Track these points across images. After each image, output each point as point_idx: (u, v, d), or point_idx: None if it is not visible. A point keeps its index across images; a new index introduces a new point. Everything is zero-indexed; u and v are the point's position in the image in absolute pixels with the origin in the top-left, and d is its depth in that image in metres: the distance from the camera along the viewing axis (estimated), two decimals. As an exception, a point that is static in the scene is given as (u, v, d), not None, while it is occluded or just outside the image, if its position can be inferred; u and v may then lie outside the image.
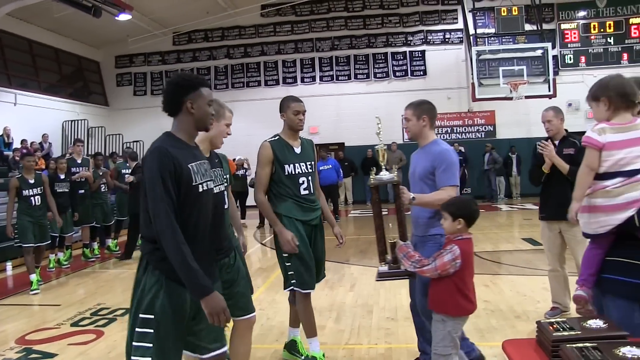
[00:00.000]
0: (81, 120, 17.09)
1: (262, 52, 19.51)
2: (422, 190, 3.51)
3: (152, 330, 2.35)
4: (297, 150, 4.01)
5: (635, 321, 2.46)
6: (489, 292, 6.17)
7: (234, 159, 13.82)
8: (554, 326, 2.37)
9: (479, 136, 18.54)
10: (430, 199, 3.39)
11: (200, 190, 2.49)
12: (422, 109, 3.60)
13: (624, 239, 2.58)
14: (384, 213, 3.54)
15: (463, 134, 18.60)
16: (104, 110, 19.63)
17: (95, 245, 10.09)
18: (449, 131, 18.56)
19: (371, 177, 3.45)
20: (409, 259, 3.10)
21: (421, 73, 18.71)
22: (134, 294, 2.45)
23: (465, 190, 17.92)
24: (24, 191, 7.42)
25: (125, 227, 10.57)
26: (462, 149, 17.60)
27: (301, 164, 3.97)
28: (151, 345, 2.34)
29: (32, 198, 7.48)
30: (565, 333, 2.30)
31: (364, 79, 18.93)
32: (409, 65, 18.81)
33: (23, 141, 14.38)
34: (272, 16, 19.42)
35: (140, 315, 2.37)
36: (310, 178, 4.00)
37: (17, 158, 13.57)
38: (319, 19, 19.34)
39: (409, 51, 18.88)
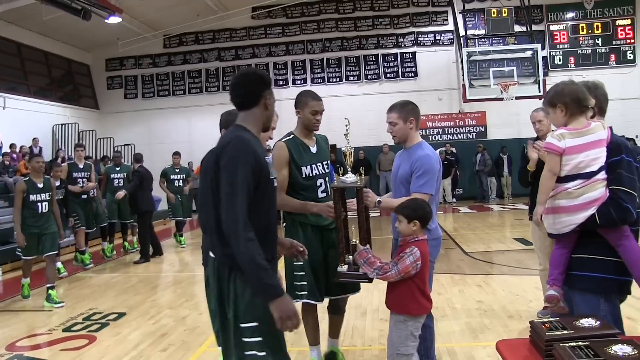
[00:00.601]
0: (72, 123, 17.02)
1: (253, 55, 19.49)
2: (402, 194, 3.43)
3: (260, 338, 2.29)
4: (314, 149, 3.72)
5: (602, 313, 2.59)
6: (482, 292, 6.19)
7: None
8: (547, 325, 2.39)
9: (470, 137, 18.62)
10: (396, 204, 3.22)
11: (275, 184, 2.52)
12: (408, 111, 3.51)
13: (586, 237, 2.70)
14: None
15: (454, 135, 18.66)
16: (94, 113, 19.53)
17: (107, 244, 10.05)
18: (441, 132, 18.62)
19: (335, 178, 3.28)
20: (370, 265, 3.06)
21: (412, 74, 18.76)
22: (220, 304, 2.37)
23: (457, 191, 18.03)
24: (31, 196, 6.72)
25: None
26: (454, 149, 17.68)
27: (318, 164, 3.68)
28: (264, 353, 2.29)
29: (39, 204, 6.77)
30: (558, 332, 2.32)
31: (355, 80, 18.96)
32: (400, 66, 18.86)
33: (12, 145, 14.28)
34: (263, 18, 19.41)
35: (243, 325, 2.30)
36: (327, 179, 3.74)
37: (6, 162, 13.50)
38: (309, 20, 19.35)
39: (400, 53, 18.92)
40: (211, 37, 19.57)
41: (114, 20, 14.80)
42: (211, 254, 2.43)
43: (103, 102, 19.96)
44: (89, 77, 20.03)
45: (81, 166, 9.17)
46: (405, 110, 3.51)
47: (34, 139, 15.02)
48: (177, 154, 11.19)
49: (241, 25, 19.41)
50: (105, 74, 20.04)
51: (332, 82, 18.98)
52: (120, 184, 10.05)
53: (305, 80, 19.20)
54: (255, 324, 2.29)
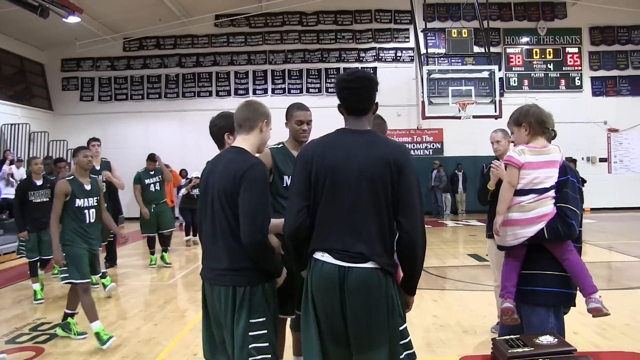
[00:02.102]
0: (22, 124, 16.39)
1: (215, 62, 19.35)
2: None
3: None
4: None
5: (550, 325, 2.80)
6: (437, 307, 6.28)
7: (188, 175, 13.47)
8: (508, 343, 2.45)
9: (427, 153, 18.97)
10: None
11: None
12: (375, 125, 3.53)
13: (535, 253, 2.89)
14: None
15: (412, 151, 18.94)
16: (47, 114, 18.92)
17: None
18: (398, 147, 18.88)
19: None
20: None
21: (372, 89, 18.96)
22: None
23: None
24: (77, 200, 5.17)
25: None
26: (411, 165, 17.95)
27: None
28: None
29: (86, 212, 5.23)
30: (519, 350, 2.40)
31: (316, 93, 19.06)
32: (360, 81, 19.04)
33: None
34: (226, 26, 19.33)
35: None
36: None
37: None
38: (272, 31, 19.39)
39: (361, 67, 19.13)
40: (172, 42, 19.33)
41: (73, 19, 14.43)
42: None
43: (57, 103, 19.38)
44: (42, 76, 19.42)
45: (97, 167, 7.72)
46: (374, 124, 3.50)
47: (-19, 139, 14.46)
48: (152, 159, 9.41)
49: (203, 33, 19.27)
50: (60, 75, 19.47)
51: (293, 93, 19.01)
52: None
53: (266, 91, 19.19)
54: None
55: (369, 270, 2.34)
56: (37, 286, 7.04)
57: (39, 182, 7.16)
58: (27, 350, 5.01)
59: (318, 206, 2.44)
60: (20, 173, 13.56)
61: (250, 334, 2.63)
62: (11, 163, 13.76)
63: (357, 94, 2.51)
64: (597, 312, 2.82)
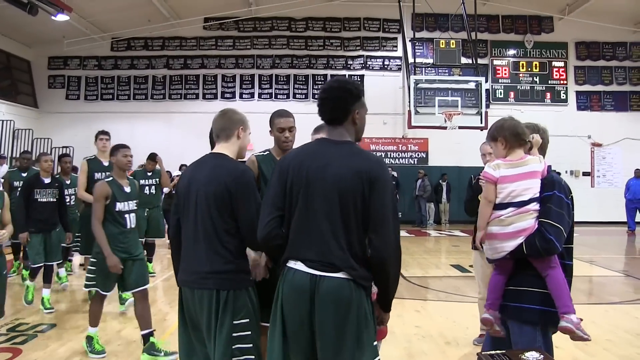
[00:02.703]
0: (7, 120, 16.17)
1: (202, 65, 19.29)
2: None
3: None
4: None
5: (537, 344, 2.76)
6: (420, 317, 6.29)
7: (173, 175, 13.37)
8: (494, 358, 2.46)
9: (412, 162, 19.06)
10: None
11: None
12: None
13: (523, 269, 2.86)
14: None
15: (397, 159, 19.05)
16: (32, 112, 18.71)
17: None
18: (383, 156, 18.96)
19: None
20: None
21: (360, 97, 19.03)
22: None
23: (397, 214, 18.35)
24: (117, 204, 4.79)
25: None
26: (395, 173, 18.01)
27: None
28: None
29: (127, 216, 4.89)
30: (505, 366, 2.39)
31: (303, 99, 19.06)
32: (348, 88, 19.10)
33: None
34: (215, 30, 19.29)
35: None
36: None
37: None
38: (261, 36, 19.39)
39: (349, 75, 19.16)
40: (160, 44, 19.25)
41: (61, 17, 14.30)
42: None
43: (43, 101, 19.17)
44: (29, 73, 19.21)
45: (106, 163, 6.59)
46: None
47: (-37, 134, 14.24)
48: (152, 159, 8.65)
49: (192, 35, 19.22)
50: (47, 72, 19.28)
51: (280, 98, 19.00)
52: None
53: (252, 95, 19.17)
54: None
55: (340, 280, 2.33)
56: (47, 293, 6.49)
57: (47, 180, 6.68)
58: (4, 351, 4.91)
59: (291, 216, 2.45)
60: (4, 170, 13.38)
61: (234, 334, 2.64)
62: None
63: (324, 104, 2.54)
64: (569, 332, 2.75)
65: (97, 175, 6.37)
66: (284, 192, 2.47)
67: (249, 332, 2.67)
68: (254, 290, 2.78)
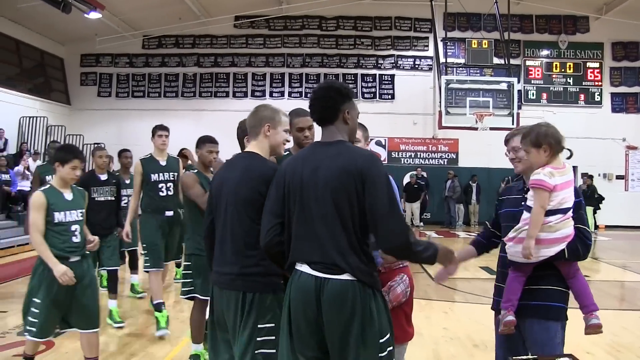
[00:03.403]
0: (40, 117, 16.52)
1: (233, 63, 19.40)
2: None
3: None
4: None
5: (557, 340, 2.85)
6: (447, 319, 6.20)
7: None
8: (526, 363, 2.40)
9: (442, 163, 18.86)
10: None
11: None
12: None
13: (543, 270, 2.89)
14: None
15: (426, 160, 18.87)
16: (65, 108, 19.07)
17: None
18: (413, 156, 18.84)
19: None
20: None
21: (389, 97, 18.96)
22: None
23: (425, 215, 18.20)
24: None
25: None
26: (424, 174, 17.88)
27: None
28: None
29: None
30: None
31: (333, 97, 19.00)
32: (377, 87, 19.04)
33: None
34: (245, 28, 19.37)
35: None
36: None
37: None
38: (291, 34, 19.41)
39: (379, 74, 19.11)
40: (191, 42, 19.41)
41: (94, 15, 14.54)
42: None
43: (75, 97, 19.52)
44: (62, 71, 19.58)
45: (163, 163, 5.78)
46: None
47: (-2, 130, 14.54)
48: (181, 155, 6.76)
49: (222, 33, 19.33)
50: (79, 70, 19.61)
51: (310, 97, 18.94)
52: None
53: (282, 94, 19.20)
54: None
55: (344, 282, 2.32)
56: (114, 304, 5.88)
57: (104, 177, 6.02)
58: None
59: (291, 221, 2.46)
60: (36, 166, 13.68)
61: (258, 339, 2.62)
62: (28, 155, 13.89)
63: (313, 105, 2.57)
64: (597, 328, 2.86)
65: (154, 177, 5.63)
66: (281, 199, 2.49)
67: (273, 337, 2.60)
68: (281, 295, 2.69)
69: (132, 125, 18.57)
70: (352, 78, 19.09)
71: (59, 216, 3.74)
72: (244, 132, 3.49)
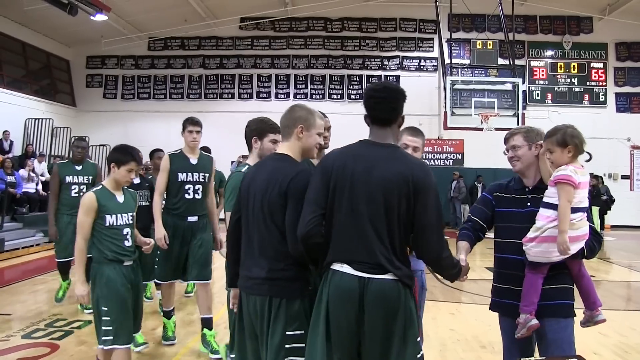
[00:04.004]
0: (46, 119, 16.58)
1: (238, 65, 19.45)
2: None
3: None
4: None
5: (573, 337, 2.92)
6: (454, 320, 6.20)
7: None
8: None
9: (447, 164, 18.86)
10: None
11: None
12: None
13: (556, 269, 2.91)
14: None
15: (432, 161, 18.87)
16: (70, 110, 19.16)
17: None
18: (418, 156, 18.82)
19: None
20: None
21: (394, 97, 18.95)
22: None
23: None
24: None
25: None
26: (430, 175, 17.89)
27: None
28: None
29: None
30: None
31: (338, 99, 19.06)
32: (382, 89, 19.05)
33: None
34: (251, 29, 19.43)
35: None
36: None
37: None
38: (297, 36, 19.46)
39: (384, 75, 19.13)
40: (197, 43, 19.49)
41: (100, 17, 14.57)
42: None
43: (80, 99, 19.61)
44: (67, 72, 19.68)
45: (194, 162, 5.09)
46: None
47: (4, 132, 14.54)
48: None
49: (228, 35, 19.39)
50: (85, 71, 19.72)
51: (315, 98, 19.03)
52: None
53: (288, 95, 19.24)
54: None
55: (388, 281, 2.35)
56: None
57: (136, 181, 5.68)
58: (42, 346, 4.97)
59: (334, 217, 2.44)
60: (42, 167, 13.74)
61: (287, 346, 2.55)
62: (32, 156, 13.94)
63: (381, 104, 2.54)
64: (602, 322, 2.98)
65: (181, 177, 4.95)
66: (326, 191, 2.46)
67: (302, 345, 2.53)
68: (310, 300, 2.64)
69: (138, 127, 18.65)
70: (358, 79, 19.12)
71: (110, 219, 3.60)
72: (252, 132, 3.53)
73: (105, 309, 3.49)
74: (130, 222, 3.73)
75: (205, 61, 19.50)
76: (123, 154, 3.66)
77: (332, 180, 2.45)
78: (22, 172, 12.67)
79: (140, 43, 19.29)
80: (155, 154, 6.56)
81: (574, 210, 2.85)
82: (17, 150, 14.92)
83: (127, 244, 3.67)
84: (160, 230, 4.77)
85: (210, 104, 19.15)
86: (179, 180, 4.95)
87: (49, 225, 6.27)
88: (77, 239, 3.58)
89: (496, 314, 3.19)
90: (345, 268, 2.38)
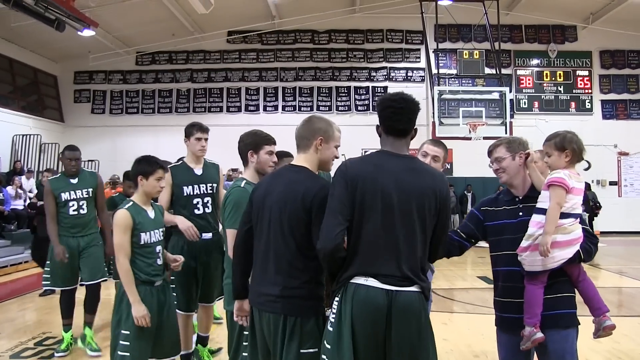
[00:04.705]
0: (34, 135, 16.48)
1: (226, 78, 19.46)
2: None
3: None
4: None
5: (575, 347, 2.89)
6: (447, 330, 6.19)
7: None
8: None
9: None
10: None
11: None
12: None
13: (555, 277, 2.90)
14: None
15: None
16: (58, 126, 19.04)
17: None
18: (407, 167, 18.89)
19: None
20: None
21: (382, 108, 19.03)
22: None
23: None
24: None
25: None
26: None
27: None
28: None
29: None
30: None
31: (326, 111, 19.08)
32: (371, 100, 19.13)
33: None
34: (238, 43, 19.47)
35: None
36: None
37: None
38: (284, 49, 19.52)
39: (372, 86, 19.23)
40: (185, 57, 19.48)
41: (87, 33, 14.54)
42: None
43: (69, 115, 19.50)
44: (55, 88, 19.57)
45: (199, 172, 4.59)
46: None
47: (-8, 149, 14.47)
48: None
49: (216, 48, 19.41)
50: (73, 87, 19.62)
51: (304, 110, 19.05)
52: None
53: (276, 108, 19.26)
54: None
55: (414, 293, 2.36)
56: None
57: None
58: (32, 365, 4.87)
59: (362, 228, 2.38)
60: (30, 184, 13.63)
61: None
62: (20, 173, 13.83)
63: (401, 114, 2.52)
64: (612, 329, 2.91)
65: (187, 190, 4.46)
66: (352, 203, 2.39)
67: None
68: (323, 318, 2.59)
69: (127, 142, 18.56)
70: (346, 91, 19.20)
71: (145, 237, 3.42)
72: (247, 146, 3.47)
73: (126, 333, 3.32)
74: (162, 238, 3.57)
75: (193, 75, 19.48)
76: (148, 164, 3.49)
77: (358, 191, 2.39)
78: (10, 190, 12.55)
79: (128, 58, 19.25)
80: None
81: (566, 215, 2.87)
82: (4, 167, 14.81)
83: (159, 262, 3.51)
84: (184, 222, 4.22)
85: (199, 118, 18.93)
86: (185, 194, 4.42)
87: (54, 244, 5.08)
88: (119, 259, 3.35)
89: (490, 323, 3.19)
90: (371, 281, 2.33)
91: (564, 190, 2.87)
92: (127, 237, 3.35)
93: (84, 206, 5.23)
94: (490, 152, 3.18)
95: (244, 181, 3.43)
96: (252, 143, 3.47)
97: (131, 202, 3.48)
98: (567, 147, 2.96)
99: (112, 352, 3.38)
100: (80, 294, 5.46)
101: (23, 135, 16.27)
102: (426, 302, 2.42)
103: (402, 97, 2.55)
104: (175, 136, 18.28)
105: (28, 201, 12.94)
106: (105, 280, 5.49)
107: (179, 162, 4.65)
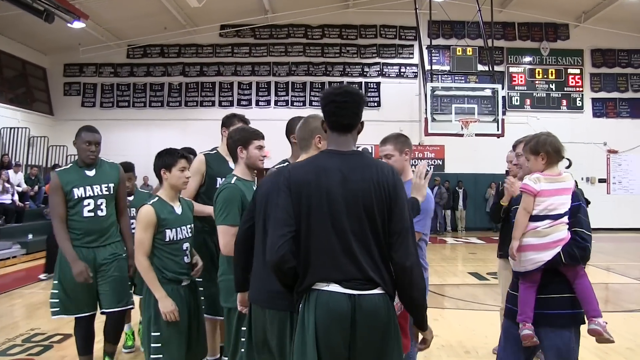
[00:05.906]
0: (22, 128, 16.26)
1: (218, 72, 19.36)
2: None
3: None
4: None
5: (572, 345, 2.95)
6: (438, 326, 6.17)
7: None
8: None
9: (428, 169, 18.88)
10: None
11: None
12: (402, 142, 3.47)
13: (549, 276, 2.97)
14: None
15: (413, 167, 18.86)
16: (48, 119, 18.84)
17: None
18: (399, 163, 18.92)
19: None
20: None
21: (375, 104, 19.03)
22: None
23: (412, 222, 18.30)
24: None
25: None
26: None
27: None
28: None
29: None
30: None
31: (319, 106, 18.90)
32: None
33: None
34: (231, 37, 19.37)
35: None
36: None
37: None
38: (277, 43, 19.44)
39: (365, 82, 19.21)
40: (177, 51, 19.35)
41: (77, 25, 14.40)
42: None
43: (58, 108, 19.32)
44: (44, 81, 19.37)
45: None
46: (400, 141, 3.46)
47: (-21, 142, 14.29)
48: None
49: (208, 42, 19.30)
50: (62, 80, 19.43)
51: (296, 105, 19.03)
52: None
53: (269, 102, 19.21)
54: None
55: (378, 296, 2.26)
56: None
57: (130, 198, 4.98)
58: (19, 362, 4.79)
59: (312, 236, 2.29)
60: (19, 178, 13.50)
61: None
62: (8, 167, 13.67)
63: (344, 108, 2.40)
64: (598, 335, 2.90)
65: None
66: (297, 210, 2.31)
67: None
68: None
69: (118, 136, 18.32)
70: (338, 86, 19.17)
71: (170, 234, 3.29)
72: (236, 142, 3.46)
73: (158, 334, 3.22)
74: (190, 235, 3.44)
75: (185, 69, 19.37)
76: (170, 156, 3.37)
77: (303, 197, 2.30)
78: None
79: (119, 51, 19.09)
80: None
81: (541, 218, 2.94)
82: (-8, 160, 14.62)
83: (187, 260, 3.39)
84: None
85: (191, 112, 19.03)
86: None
87: (71, 261, 3.84)
88: (138, 257, 3.24)
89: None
90: (333, 287, 2.24)
91: (528, 196, 2.96)
92: (149, 234, 3.23)
93: (103, 206, 4.01)
94: (514, 147, 3.47)
95: (235, 177, 3.40)
96: (240, 139, 3.45)
97: (157, 198, 3.36)
98: (541, 151, 3.02)
99: (146, 355, 3.29)
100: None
101: (11, 128, 16.03)
102: (391, 303, 2.31)
103: (346, 90, 2.45)
104: (167, 130, 18.45)
105: (16, 195, 12.81)
106: (132, 307, 4.36)
107: (214, 152, 4.35)
